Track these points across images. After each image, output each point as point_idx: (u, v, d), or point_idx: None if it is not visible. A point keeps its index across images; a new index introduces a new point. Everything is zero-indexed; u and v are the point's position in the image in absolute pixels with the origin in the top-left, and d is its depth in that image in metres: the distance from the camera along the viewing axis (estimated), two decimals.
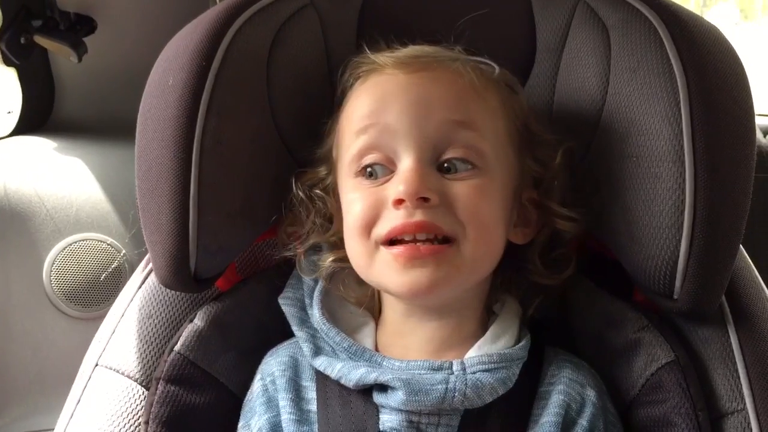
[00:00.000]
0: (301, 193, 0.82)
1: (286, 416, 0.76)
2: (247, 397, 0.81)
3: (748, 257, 0.84)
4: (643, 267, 0.75)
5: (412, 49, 0.80)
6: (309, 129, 0.84)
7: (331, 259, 0.82)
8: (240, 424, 0.79)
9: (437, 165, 0.74)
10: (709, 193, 0.71)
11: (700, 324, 0.78)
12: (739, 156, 0.73)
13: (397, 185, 0.71)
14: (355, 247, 0.76)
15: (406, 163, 0.73)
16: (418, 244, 0.71)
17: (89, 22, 1.34)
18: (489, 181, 0.74)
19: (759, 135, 1.42)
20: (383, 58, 0.79)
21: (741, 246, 0.81)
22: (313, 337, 0.80)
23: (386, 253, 0.73)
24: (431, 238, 0.72)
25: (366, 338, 0.80)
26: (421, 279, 0.71)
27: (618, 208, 0.77)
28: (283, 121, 0.84)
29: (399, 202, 0.71)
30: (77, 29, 1.32)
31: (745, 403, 0.73)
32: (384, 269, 0.73)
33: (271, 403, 0.78)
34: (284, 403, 0.77)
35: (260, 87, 0.82)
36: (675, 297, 0.74)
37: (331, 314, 0.81)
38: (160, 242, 0.79)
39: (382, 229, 0.73)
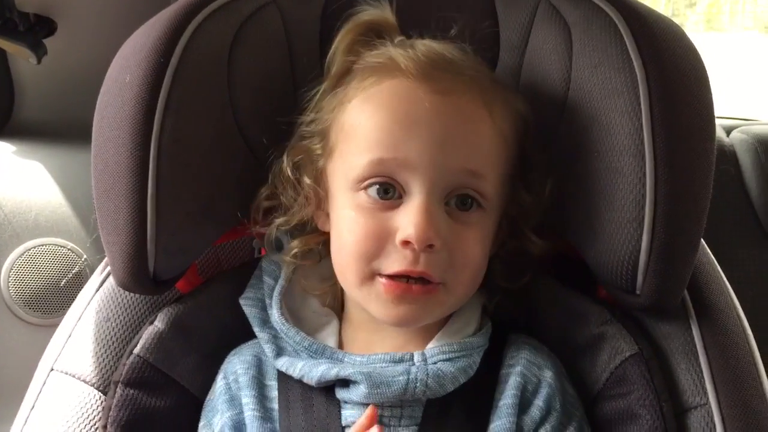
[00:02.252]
0: (290, 174, 0.80)
1: (250, 413, 0.75)
2: (208, 396, 0.80)
3: (710, 252, 0.85)
4: (606, 263, 0.76)
5: (432, 53, 0.76)
6: (271, 127, 0.83)
7: (296, 249, 0.81)
8: (201, 424, 0.78)
9: (445, 200, 0.73)
10: (669, 188, 0.71)
11: (663, 319, 0.79)
12: (699, 150, 0.74)
13: (408, 225, 0.71)
14: (347, 268, 0.75)
15: (417, 200, 0.72)
16: (410, 283, 0.72)
17: (49, 23, 1.31)
18: (487, 220, 0.76)
19: (722, 134, 1.44)
20: (403, 58, 0.75)
21: (703, 241, 0.82)
22: (275, 337, 0.79)
23: (379, 285, 0.73)
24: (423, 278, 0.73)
25: (329, 337, 0.80)
26: (408, 314, 0.73)
27: (580, 203, 0.78)
28: (244, 120, 0.83)
29: (407, 243, 0.71)
30: (36, 30, 1.29)
31: (708, 398, 0.73)
32: (373, 298, 0.74)
33: (234, 401, 0.77)
34: (247, 400, 0.76)
35: (221, 85, 0.81)
36: (637, 292, 0.75)
37: (293, 314, 0.81)
38: (118, 243, 0.77)
39: (384, 266, 0.73)
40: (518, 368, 0.76)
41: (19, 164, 1.35)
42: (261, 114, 0.84)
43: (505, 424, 0.73)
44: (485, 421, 0.74)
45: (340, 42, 0.82)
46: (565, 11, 0.82)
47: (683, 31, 0.79)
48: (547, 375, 0.76)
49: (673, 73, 0.74)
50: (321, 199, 0.80)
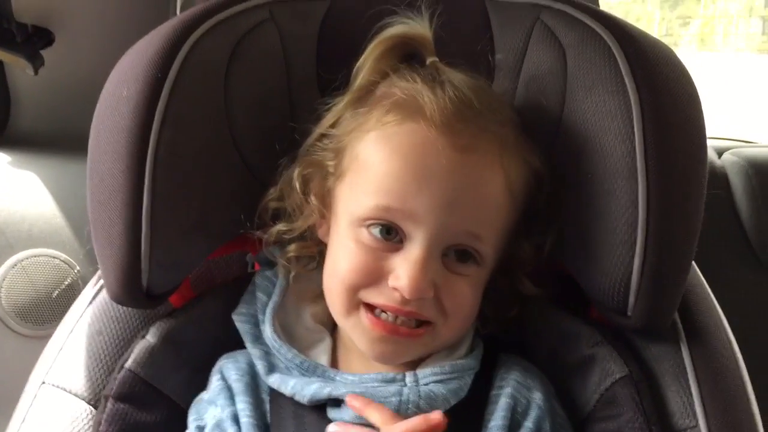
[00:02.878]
0: (298, 187, 0.80)
1: (246, 419, 0.75)
2: (201, 396, 0.79)
3: (701, 274, 0.85)
4: (598, 284, 0.76)
5: (459, 96, 0.74)
6: (268, 143, 0.83)
7: (292, 253, 0.81)
8: (191, 419, 0.77)
9: (443, 251, 0.74)
10: (661, 211, 0.72)
11: (654, 341, 0.79)
12: (691, 173, 0.74)
13: (403, 275, 0.71)
14: (336, 294, 0.76)
15: (416, 252, 0.72)
16: (398, 324, 0.73)
17: (47, 34, 1.32)
18: (482, 273, 0.77)
19: (714, 156, 1.45)
20: (429, 103, 0.72)
21: (694, 264, 0.83)
22: (267, 354, 0.79)
23: (365, 317, 0.73)
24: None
25: (321, 355, 0.80)
26: (391, 352, 0.74)
27: (573, 225, 0.78)
28: (241, 135, 0.83)
29: (397, 290, 0.72)
30: (34, 41, 1.30)
31: (697, 420, 0.73)
32: (359, 329, 0.75)
33: (233, 399, 0.77)
34: (243, 406, 0.76)
35: (217, 100, 0.81)
36: (628, 314, 0.75)
37: (285, 330, 0.80)
38: (112, 256, 0.77)
39: (373, 298, 0.73)
40: (508, 390, 0.76)
41: (13, 174, 1.35)
42: (257, 129, 0.84)
43: None
44: None
45: (369, 54, 0.80)
46: (560, 33, 0.83)
47: (676, 54, 0.80)
48: (537, 396, 0.76)
49: (665, 96, 0.75)
50: (324, 215, 0.80)
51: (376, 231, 0.73)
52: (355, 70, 0.82)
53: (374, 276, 0.73)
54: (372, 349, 0.74)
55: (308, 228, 0.81)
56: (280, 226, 0.81)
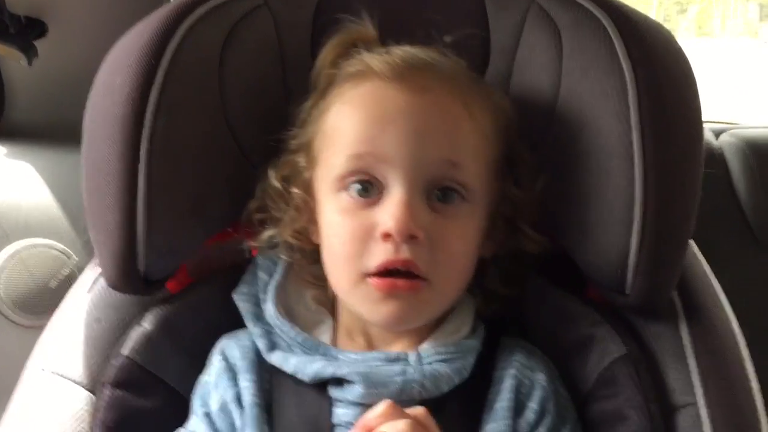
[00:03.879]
0: (278, 185, 0.81)
1: (249, 398, 0.75)
2: (202, 378, 0.79)
3: (699, 253, 0.85)
4: (595, 263, 0.76)
5: (408, 55, 0.77)
6: (262, 129, 0.83)
7: (298, 245, 0.82)
8: (196, 405, 0.77)
9: (426, 194, 0.73)
10: (657, 188, 0.72)
11: (652, 319, 0.79)
12: (688, 152, 0.74)
13: (387, 219, 0.71)
14: (337, 272, 0.76)
15: (397, 193, 0.72)
16: (396, 279, 0.72)
17: (40, 25, 1.31)
18: (472, 214, 0.76)
19: (711, 137, 1.45)
20: (377, 63, 0.76)
21: (693, 242, 0.83)
22: (268, 333, 0.79)
23: (370, 281, 0.73)
24: (409, 273, 0.72)
25: (323, 334, 0.80)
26: (396, 311, 0.73)
27: (570, 204, 0.78)
28: (236, 121, 0.83)
29: (387, 236, 0.71)
30: (27, 32, 1.29)
31: (696, 397, 0.73)
32: (364, 299, 0.74)
33: (236, 380, 0.77)
34: (247, 384, 0.76)
35: (212, 86, 0.81)
36: (626, 292, 0.75)
37: (287, 311, 0.80)
38: (108, 243, 0.77)
39: (369, 263, 0.72)
40: (512, 371, 0.76)
41: (9, 165, 1.35)
42: (252, 115, 0.84)
43: (500, 426, 0.73)
44: (477, 423, 0.74)
45: (323, 59, 0.83)
46: (555, 15, 0.82)
47: (672, 35, 0.80)
48: (540, 378, 0.76)
49: (661, 76, 0.74)
50: (312, 211, 0.80)
51: (353, 191, 0.74)
52: (312, 78, 0.83)
53: (365, 237, 0.72)
54: (378, 312, 0.74)
55: (300, 231, 0.81)
56: (270, 232, 0.82)
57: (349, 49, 0.81)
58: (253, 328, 0.79)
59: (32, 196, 1.32)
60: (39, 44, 1.31)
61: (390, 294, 0.72)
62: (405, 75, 0.75)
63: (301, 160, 0.81)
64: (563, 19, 0.81)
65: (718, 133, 1.46)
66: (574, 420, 0.76)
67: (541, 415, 0.74)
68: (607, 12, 0.78)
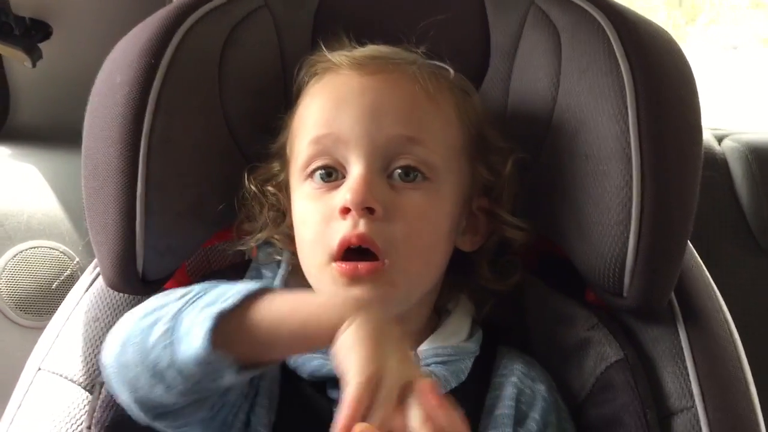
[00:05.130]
0: (253, 188, 0.82)
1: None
2: None
3: (698, 256, 0.85)
4: (593, 265, 0.76)
5: (369, 49, 0.80)
6: (262, 129, 0.83)
7: (287, 254, 0.82)
8: None
9: (387, 173, 0.74)
10: (655, 190, 0.72)
11: (651, 322, 0.79)
12: (686, 153, 0.74)
13: (345, 193, 0.71)
14: (308, 259, 0.76)
15: (355, 170, 0.73)
16: (358, 264, 0.71)
17: (44, 27, 1.32)
18: (436, 192, 0.75)
19: (713, 142, 1.44)
20: (339, 57, 0.78)
21: (692, 246, 0.82)
22: None
23: (333, 269, 0.73)
24: (370, 255, 0.72)
25: None
26: (361, 296, 0.72)
27: (568, 207, 0.78)
28: (235, 121, 0.83)
29: (345, 210, 0.71)
30: (32, 34, 1.30)
31: (694, 401, 0.73)
32: (330, 284, 0.74)
33: None
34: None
35: (211, 86, 0.81)
36: (624, 294, 0.75)
37: None
38: (106, 243, 0.77)
39: (331, 242, 0.72)
40: (513, 379, 0.76)
41: (13, 167, 1.36)
42: (252, 116, 0.84)
43: None
44: (475, 427, 0.73)
45: (298, 75, 0.84)
46: (554, 16, 0.82)
47: (671, 36, 0.80)
48: (541, 389, 0.76)
49: (659, 77, 0.74)
50: (289, 211, 0.81)
51: (317, 177, 0.75)
52: (294, 93, 0.84)
53: (329, 218, 0.73)
54: (347, 297, 0.72)
55: (283, 234, 0.82)
56: (258, 235, 0.82)
57: (320, 58, 0.82)
58: None
59: (35, 199, 1.32)
60: (43, 46, 1.32)
61: (353, 279, 0.72)
62: (361, 62, 0.77)
63: (275, 165, 0.82)
64: (562, 21, 0.81)
65: (720, 139, 1.45)
66: None
67: (543, 426, 0.74)
68: (606, 14, 0.78)
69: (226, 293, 0.62)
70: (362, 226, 0.71)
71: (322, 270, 0.74)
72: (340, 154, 0.74)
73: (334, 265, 0.72)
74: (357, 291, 0.72)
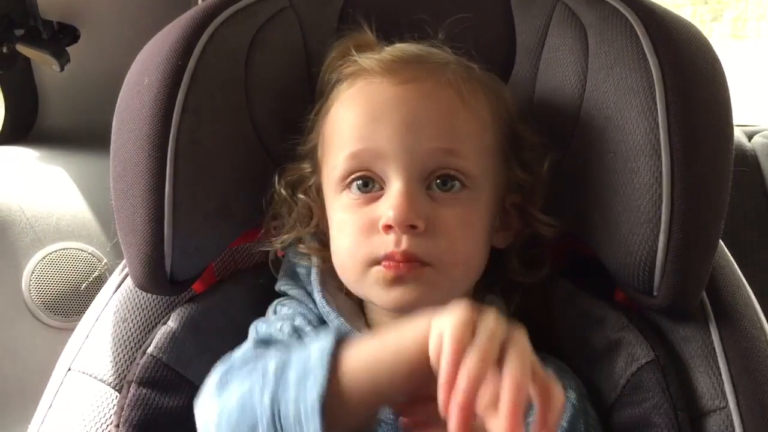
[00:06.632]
0: (284, 192, 0.82)
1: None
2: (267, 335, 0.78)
3: (729, 254, 0.83)
4: (623, 264, 0.75)
5: (398, 50, 0.79)
6: (288, 130, 0.83)
7: (316, 252, 0.82)
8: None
9: (425, 184, 0.73)
10: (686, 187, 0.70)
11: (682, 322, 0.77)
12: (716, 149, 0.73)
13: (387, 209, 0.71)
14: (345, 266, 0.76)
15: (396, 186, 0.72)
16: (400, 264, 0.71)
17: (72, 31, 1.33)
18: (475, 200, 0.75)
19: (743, 139, 1.42)
20: (369, 61, 0.78)
21: (723, 243, 0.81)
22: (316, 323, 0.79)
23: (374, 273, 0.73)
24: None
25: (362, 328, 0.79)
26: (403, 295, 0.72)
27: (597, 204, 0.77)
28: (261, 122, 0.83)
29: (388, 227, 0.71)
30: (60, 38, 1.32)
31: (727, 401, 0.71)
32: (371, 287, 0.74)
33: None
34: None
35: (238, 87, 0.81)
36: (654, 293, 0.74)
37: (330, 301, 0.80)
38: (135, 244, 0.78)
39: (373, 255, 0.73)
40: None
41: (42, 170, 1.37)
42: (277, 117, 0.85)
43: None
44: None
45: (325, 67, 0.84)
46: (581, 13, 0.82)
47: (699, 30, 0.78)
48: (572, 396, 0.75)
49: (689, 72, 0.73)
50: (320, 216, 0.81)
51: (354, 188, 0.75)
52: (317, 89, 0.85)
53: (368, 231, 0.73)
54: (386, 298, 0.73)
55: (310, 239, 0.82)
56: (285, 236, 0.82)
57: (348, 55, 0.81)
58: (306, 312, 0.79)
59: (64, 201, 1.34)
60: (71, 50, 1.33)
61: (395, 278, 0.72)
62: (394, 68, 0.76)
63: (306, 166, 0.82)
64: (589, 17, 0.81)
65: (750, 135, 1.44)
66: None
67: None
68: (634, 9, 0.77)
69: (308, 359, 0.59)
70: (405, 243, 0.71)
71: (361, 273, 0.74)
72: (378, 168, 0.73)
73: (375, 268, 0.73)
74: (399, 291, 0.72)
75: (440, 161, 0.73)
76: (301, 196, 0.82)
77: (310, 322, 0.78)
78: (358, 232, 0.73)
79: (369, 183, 0.74)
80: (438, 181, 0.73)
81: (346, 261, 0.75)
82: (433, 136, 0.73)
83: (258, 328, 0.79)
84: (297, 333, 0.77)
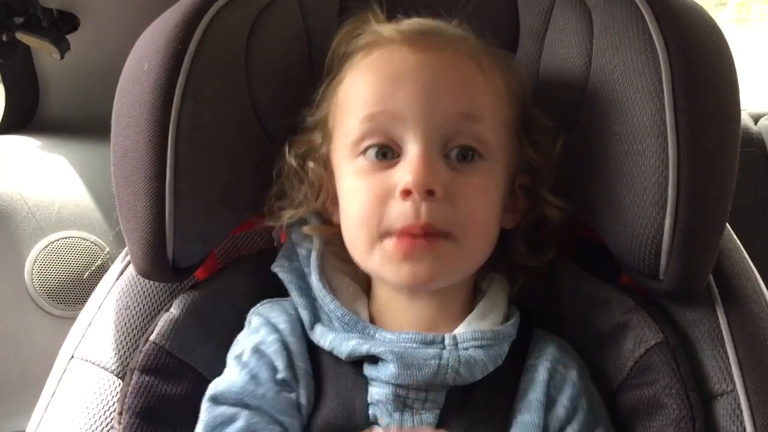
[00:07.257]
0: (294, 163, 0.81)
1: (301, 363, 0.75)
2: (256, 342, 0.76)
3: (736, 238, 0.83)
4: (628, 247, 0.74)
5: (417, 23, 0.79)
6: (289, 115, 0.83)
7: (321, 231, 0.81)
8: (228, 357, 0.77)
9: (444, 152, 0.73)
10: (692, 169, 0.70)
11: (688, 305, 0.77)
12: (724, 130, 0.72)
13: (405, 174, 0.70)
14: (355, 235, 0.75)
15: (413, 151, 0.71)
16: (415, 239, 0.70)
17: (72, 19, 1.33)
18: (491, 171, 0.74)
19: (750, 122, 1.42)
20: (389, 30, 0.77)
21: (729, 227, 0.80)
22: (312, 306, 0.78)
23: (388, 243, 0.72)
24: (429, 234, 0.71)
25: (361, 311, 0.79)
26: (418, 270, 0.71)
27: (602, 187, 0.76)
28: (262, 107, 0.83)
29: (406, 192, 0.70)
30: (60, 26, 1.31)
31: (735, 385, 0.71)
32: (385, 261, 0.73)
33: (278, 331, 0.76)
34: (296, 349, 0.76)
35: (238, 72, 0.81)
36: (661, 277, 0.73)
37: (328, 284, 0.80)
38: (137, 231, 0.77)
39: (389, 226, 0.71)
40: (546, 363, 0.75)
41: (43, 159, 1.37)
42: (279, 101, 0.84)
43: (534, 419, 0.71)
44: (507, 411, 0.73)
45: (336, 42, 0.83)
46: None
47: (706, 11, 0.77)
48: (573, 374, 0.75)
49: (695, 52, 0.72)
50: (329, 188, 0.80)
51: (371, 154, 0.73)
52: (326, 64, 0.84)
53: (383, 197, 0.72)
54: (400, 273, 0.72)
55: (320, 213, 0.81)
56: (290, 213, 0.81)
57: (363, 26, 0.81)
58: (298, 299, 0.78)
59: (66, 189, 1.33)
60: (71, 38, 1.32)
61: (410, 254, 0.71)
62: (414, 38, 0.75)
63: (317, 137, 0.81)
64: None
65: (756, 118, 1.43)
66: (606, 422, 0.75)
67: (572, 411, 0.73)
68: None
69: None
70: (424, 213, 0.70)
71: (372, 245, 0.73)
72: (395, 133, 0.72)
73: (388, 240, 0.72)
74: (413, 266, 0.71)
75: (459, 126, 0.72)
76: (311, 164, 0.80)
77: (277, 331, 0.76)
78: (372, 198, 0.72)
79: (386, 152, 0.73)
80: (456, 150, 0.73)
81: (356, 230, 0.74)
82: (453, 102, 0.72)
83: (233, 350, 0.77)
84: (258, 353, 0.75)
